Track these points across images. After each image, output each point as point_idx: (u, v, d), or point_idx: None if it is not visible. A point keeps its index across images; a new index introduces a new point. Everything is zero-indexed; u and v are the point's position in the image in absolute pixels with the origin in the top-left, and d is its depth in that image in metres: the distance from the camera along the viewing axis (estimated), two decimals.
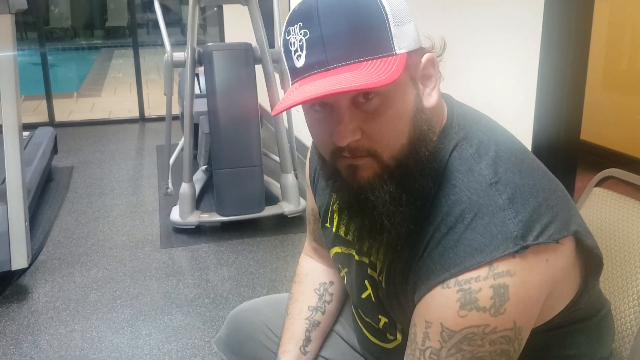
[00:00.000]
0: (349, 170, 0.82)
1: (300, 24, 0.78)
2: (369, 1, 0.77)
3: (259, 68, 3.45)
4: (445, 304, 0.78)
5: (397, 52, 0.78)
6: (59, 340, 2.33)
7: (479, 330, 0.77)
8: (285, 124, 3.60)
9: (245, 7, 3.47)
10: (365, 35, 0.76)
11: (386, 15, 0.77)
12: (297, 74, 0.79)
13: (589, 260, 0.88)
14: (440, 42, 0.88)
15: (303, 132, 4.42)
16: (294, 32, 0.78)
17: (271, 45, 3.76)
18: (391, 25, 0.77)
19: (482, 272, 0.76)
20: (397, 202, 0.81)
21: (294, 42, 0.78)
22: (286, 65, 0.82)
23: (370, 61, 0.76)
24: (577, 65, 1.88)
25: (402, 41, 0.78)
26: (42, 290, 2.71)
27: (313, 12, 0.77)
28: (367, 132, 0.79)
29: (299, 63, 0.78)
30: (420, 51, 0.83)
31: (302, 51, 0.78)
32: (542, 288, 0.79)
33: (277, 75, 3.53)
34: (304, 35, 0.77)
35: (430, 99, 0.83)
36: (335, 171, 0.85)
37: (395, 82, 0.74)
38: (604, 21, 3.86)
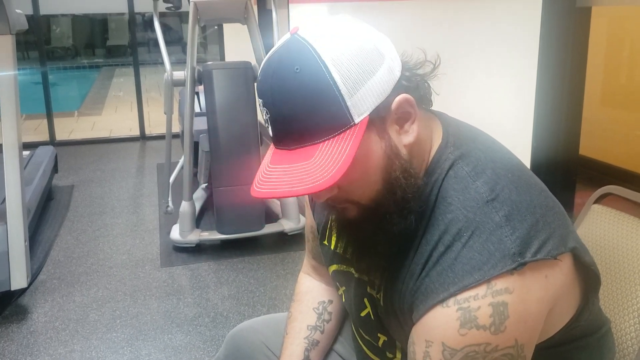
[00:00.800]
0: (336, 210, 0.89)
1: (262, 101, 0.80)
2: (317, 80, 0.76)
3: None
4: (446, 322, 0.78)
5: (356, 122, 0.78)
6: None
7: (480, 348, 0.77)
8: None
9: (245, 26, 3.49)
10: (319, 116, 0.77)
11: (338, 90, 0.76)
12: (272, 140, 0.84)
13: (588, 277, 0.88)
14: (435, 57, 0.88)
15: None
16: (260, 104, 0.81)
17: None
18: (345, 98, 0.76)
19: (481, 290, 0.76)
20: (383, 235, 0.85)
21: (263, 112, 0.81)
22: None
23: (327, 141, 0.77)
24: (575, 81, 1.89)
25: (362, 106, 0.78)
26: (42, 310, 2.70)
27: (268, 95, 0.79)
28: (342, 188, 0.82)
29: (270, 132, 0.82)
30: (393, 94, 0.81)
31: (268, 125, 0.81)
32: (543, 304, 0.79)
33: None
34: (267, 114, 0.80)
35: (408, 136, 0.83)
36: (325, 204, 0.90)
37: (358, 147, 0.77)
38: (601, 36, 3.88)
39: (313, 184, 0.76)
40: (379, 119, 0.80)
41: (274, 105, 0.78)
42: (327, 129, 0.77)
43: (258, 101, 0.82)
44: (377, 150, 0.81)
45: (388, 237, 0.85)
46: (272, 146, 0.85)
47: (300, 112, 0.77)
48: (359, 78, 0.77)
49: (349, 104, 0.77)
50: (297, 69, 0.76)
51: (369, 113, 0.78)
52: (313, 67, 0.76)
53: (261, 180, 0.81)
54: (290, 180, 0.78)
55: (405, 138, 0.83)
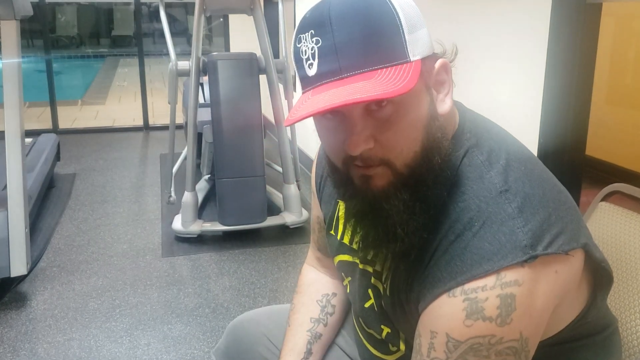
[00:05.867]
0: (363, 179, 0.81)
1: (312, 31, 0.76)
2: (382, 7, 0.76)
3: (263, 78, 3.45)
4: (451, 313, 0.77)
5: (412, 59, 0.76)
6: (56, 349, 2.31)
7: (485, 340, 0.76)
8: (289, 134, 3.60)
9: (251, 17, 3.48)
10: (378, 43, 0.75)
11: (400, 21, 0.76)
12: (309, 82, 0.78)
13: (598, 274, 0.87)
14: (451, 48, 0.87)
15: (306, 143, 4.42)
16: (306, 39, 0.77)
17: (276, 55, 3.77)
18: (405, 32, 0.76)
19: (489, 281, 0.75)
20: (411, 211, 0.80)
21: (305, 50, 0.77)
22: (297, 74, 0.81)
23: (384, 69, 0.74)
24: (583, 78, 1.88)
25: (416, 48, 0.77)
26: (41, 298, 2.70)
27: (325, 20, 0.75)
28: (380, 141, 0.77)
29: (311, 71, 0.77)
30: (433, 57, 0.81)
31: (314, 59, 0.76)
32: (550, 299, 0.78)
33: (281, 86, 3.53)
34: (316, 43, 0.75)
35: (444, 105, 0.82)
36: (348, 179, 0.84)
37: (417, 79, 0.74)
38: (608, 35, 3.85)
39: (384, 92, 0.71)
40: (426, 72, 0.79)
41: (331, 27, 0.74)
42: (387, 55, 0.75)
43: (300, 40, 0.77)
44: (423, 103, 0.79)
45: (424, 205, 0.80)
46: (304, 94, 0.79)
47: (362, 34, 0.74)
48: (416, 21, 0.78)
49: (407, 38, 0.76)
50: None
51: (421, 57, 0.78)
52: None
53: (302, 105, 0.76)
54: (350, 92, 0.71)
55: (440, 107, 0.82)
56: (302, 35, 0.78)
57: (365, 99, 0.70)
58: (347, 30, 0.74)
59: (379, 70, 0.74)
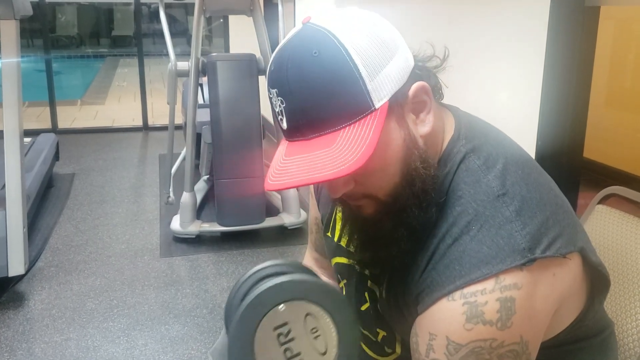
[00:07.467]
0: (352, 206, 0.86)
1: (276, 91, 0.77)
2: (338, 62, 0.74)
3: (262, 79, 3.45)
4: (451, 316, 0.77)
5: (377, 107, 0.76)
6: (53, 349, 2.30)
7: (486, 344, 0.76)
8: None
9: (251, 18, 3.48)
10: (339, 101, 0.74)
11: (359, 73, 0.74)
12: (284, 134, 0.80)
13: (595, 277, 0.87)
14: (443, 50, 0.87)
15: None
16: (273, 95, 0.78)
17: None
18: (366, 82, 0.75)
19: (489, 284, 0.75)
20: (398, 233, 0.82)
21: (275, 104, 0.78)
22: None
23: (347, 127, 0.75)
24: (581, 82, 1.88)
25: (381, 91, 0.76)
26: (39, 298, 2.70)
27: (284, 80, 0.76)
28: (358, 181, 0.80)
29: (283, 125, 0.79)
30: (409, 82, 0.80)
31: (283, 116, 0.78)
32: (549, 302, 0.78)
33: None
34: (282, 103, 0.77)
35: (424, 126, 0.82)
36: (339, 200, 0.87)
37: (381, 132, 0.75)
38: (607, 38, 3.86)
39: (338, 169, 0.72)
40: (397, 106, 0.79)
41: (291, 93, 0.75)
42: (348, 114, 0.75)
43: (270, 92, 0.79)
44: (396, 139, 0.79)
45: (408, 232, 0.82)
46: (283, 141, 0.82)
47: (320, 97, 0.74)
48: (378, 62, 0.76)
49: (369, 87, 0.75)
50: (315, 52, 0.74)
51: (388, 98, 0.77)
52: (332, 49, 0.74)
53: (276, 172, 0.78)
54: (310, 168, 0.74)
55: (421, 128, 0.82)
56: (271, 90, 0.79)
57: (321, 180, 0.73)
58: (305, 92, 0.75)
59: (342, 130, 0.75)
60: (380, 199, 0.81)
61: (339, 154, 0.74)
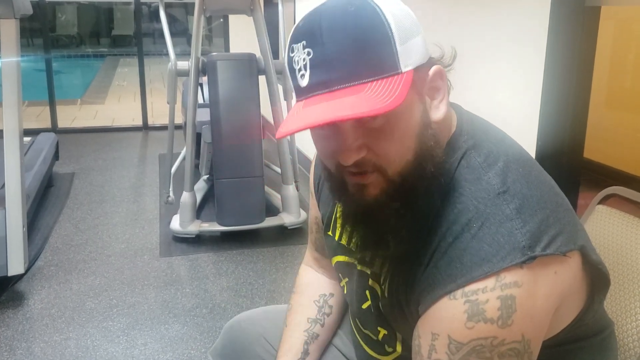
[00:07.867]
0: (357, 187, 0.82)
1: (304, 42, 0.76)
2: (373, 19, 0.75)
3: (262, 79, 3.45)
4: (453, 315, 0.77)
5: (403, 71, 0.76)
6: (53, 348, 2.30)
7: (487, 342, 0.76)
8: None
9: (251, 18, 3.48)
10: (369, 56, 0.75)
11: (391, 33, 0.76)
12: (301, 93, 0.79)
13: (595, 276, 0.87)
14: (450, 51, 0.87)
15: (305, 144, 4.42)
16: (298, 50, 0.77)
17: (275, 56, 3.77)
18: (396, 44, 0.76)
19: (489, 282, 0.75)
20: (401, 219, 0.81)
21: (297, 61, 0.77)
22: (291, 83, 0.81)
23: (374, 82, 0.75)
24: (581, 82, 1.88)
25: (408, 58, 0.77)
26: (38, 297, 2.70)
27: (316, 31, 0.76)
28: (372, 149, 0.78)
29: (303, 82, 0.77)
30: (429, 63, 0.81)
31: (305, 70, 0.77)
32: (550, 300, 0.78)
33: (280, 86, 3.53)
34: (308, 55, 0.76)
35: (438, 112, 0.82)
36: (342, 185, 0.85)
37: (408, 91, 0.74)
38: (607, 38, 3.86)
39: (374, 107, 0.71)
40: (419, 81, 0.79)
41: (322, 42, 0.75)
42: (377, 69, 0.75)
43: (293, 49, 0.78)
44: (416, 112, 0.79)
45: (410, 218, 0.81)
46: (298, 102, 0.79)
47: (353, 48, 0.74)
48: (409, 30, 0.78)
49: (399, 49, 0.76)
50: (351, 7, 0.76)
51: (414, 67, 0.78)
52: (368, 7, 0.76)
53: (294, 119, 0.77)
54: (338, 108, 0.72)
55: (435, 114, 0.82)
56: (294, 45, 0.78)
57: (352, 117, 0.71)
58: (338, 42, 0.74)
59: (370, 83, 0.75)
60: (389, 176, 0.79)
61: (372, 96, 0.73)
